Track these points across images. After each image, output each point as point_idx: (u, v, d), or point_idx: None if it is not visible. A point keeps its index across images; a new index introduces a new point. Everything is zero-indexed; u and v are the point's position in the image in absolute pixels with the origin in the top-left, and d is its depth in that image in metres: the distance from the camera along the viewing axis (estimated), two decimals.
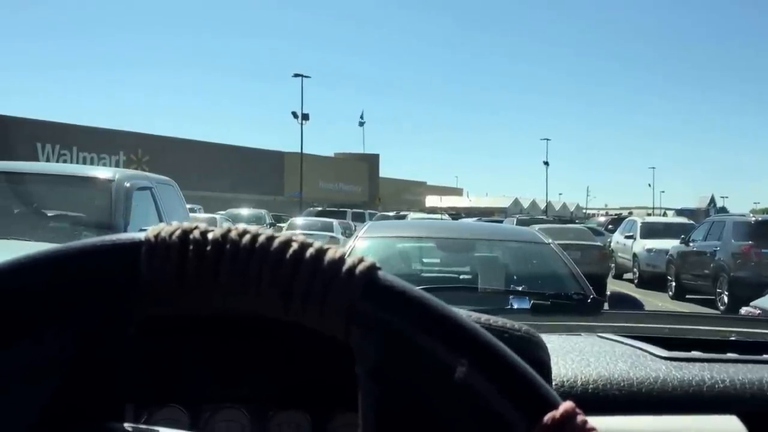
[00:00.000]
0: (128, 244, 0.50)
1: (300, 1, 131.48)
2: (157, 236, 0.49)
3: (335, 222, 24.31)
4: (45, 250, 0.50)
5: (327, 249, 0.50)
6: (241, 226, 0.51)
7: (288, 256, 0.49)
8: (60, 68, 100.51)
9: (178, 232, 0.49)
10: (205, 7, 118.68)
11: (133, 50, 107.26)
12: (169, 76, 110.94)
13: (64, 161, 35.01)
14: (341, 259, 0.49)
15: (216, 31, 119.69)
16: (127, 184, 5.77)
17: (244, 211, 28.73)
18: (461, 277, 4.24)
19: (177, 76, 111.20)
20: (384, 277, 0.50)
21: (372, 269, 0.49)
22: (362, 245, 4.08)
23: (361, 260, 0.50)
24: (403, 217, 29.10)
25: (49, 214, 5.53)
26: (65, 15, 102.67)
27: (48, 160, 33.83)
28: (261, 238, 0.49)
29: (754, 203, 73.49)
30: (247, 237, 0.49)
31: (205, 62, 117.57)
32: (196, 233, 0.49)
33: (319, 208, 34.48)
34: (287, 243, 0.49)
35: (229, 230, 0.50)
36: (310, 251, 0.49)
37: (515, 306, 2.93)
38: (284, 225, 24.82)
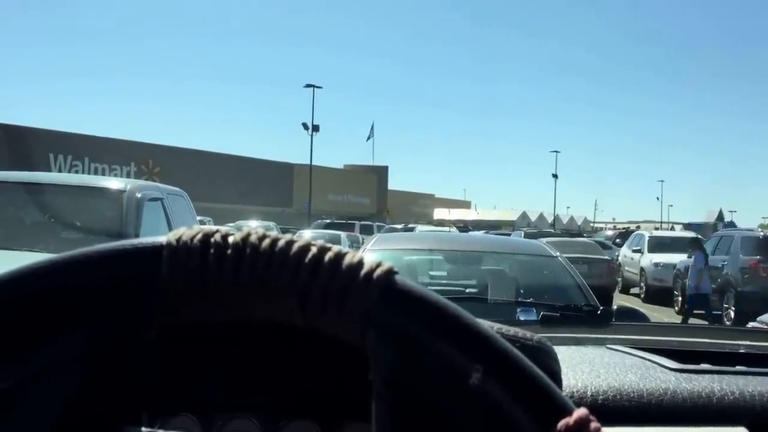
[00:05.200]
0: (150, 247, 0.50)
1: (310, 11, 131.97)
2: (178, 240, 0.50)
3: (343, 235, 24.27)
4: (65, 253, 0.50)
5: (345, 253, 0.50)
6: (261, 230, 0.51)
7: (307, 260, 0.49)
8: (71, 77, 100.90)
9: (199, 236, 0.50)
10: (216, 19, 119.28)
11: (145, 59, 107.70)
12: (181, 86, 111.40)
13: (76, 172, 35.08)
14: (359, 264, 0.49)
15: (226, 41, 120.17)
16: (139, 195, 5.79)
17: (253, 223, 28.56)
18: (468, 290, 4.23)
19: (188, 86, 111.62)
20: (402, 281, 0.50)
21: (389, 274, 0.49)
22: (370, 258, 4.06)
23: (379, 265, 0.50)
24: (411, 229, 29.07)
25: (60, 225, 5.54)
26: (76, 23, 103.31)
27: (60, 171, 33.89)
28: (280, 243, 0.49)
29: (763, 218, 72.94)
30: (266, 241, 0.49)
31: (216, 72, 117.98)
32: (217, 237, 0.50)
33: (327, 221, 34.40)
34: (306, 247, 0.49)
35: (249, 234, 0.50)
36: (328, 255, 0.49)
37: (522, 318, 2.93)
38: None
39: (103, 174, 35.08)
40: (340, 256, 0.50)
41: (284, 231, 29.48)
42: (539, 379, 0.49)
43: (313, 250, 0.50)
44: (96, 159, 38.01)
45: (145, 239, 0.51)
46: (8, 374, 0.49)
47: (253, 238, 0.50)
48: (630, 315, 3.11)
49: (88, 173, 34.51)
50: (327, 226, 30.02)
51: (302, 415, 0.71)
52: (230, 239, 0.50)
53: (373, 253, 4.21)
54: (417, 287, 0.50)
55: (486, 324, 0.56)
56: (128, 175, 36.38)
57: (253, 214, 34.92)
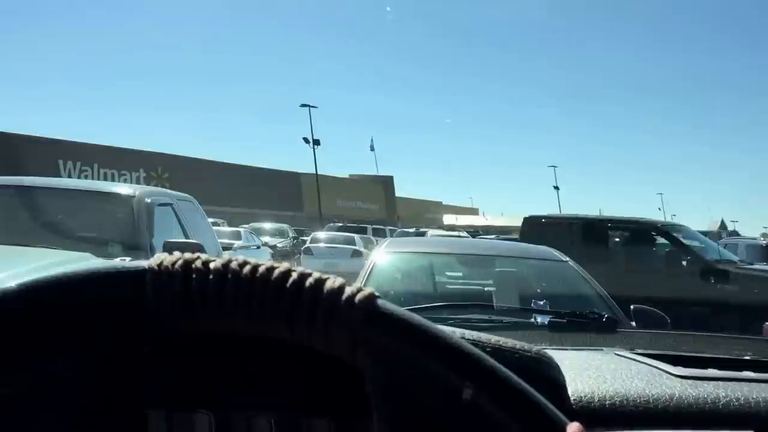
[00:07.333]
0: (132, 271, 0.51)
1: (318, 26, 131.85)
2: (160, 265, 0.51)
3: (357, 236, 24.04)
4: (54, 272, 0.52)
5: (326, 279, 0.51)
6: (241, 258, 0.52)
7: (288, 285, 0.50)
8: (78, 85, 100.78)
9: (180, 262, 0.51)
10: (226, 29, 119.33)
11: (152, 68, 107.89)
12: (186, 94, 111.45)
13: (86, 178, 35.23)
14: (341, 289, 0.51)
15: (233, 52, 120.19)
16: (148, 200, 5.78)
17: (267, 225, 27.73)
18: (479, 295, 4.22)
19: (193, 94, 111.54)
20: (384, 305, 0.51)
21: (371, 298, 0.51)
22: (383, 259, 4.10)
23: (360, 290, 0.51)
24: (423, 234, 28.99)
25: (75, 227, 5.56)
26: (86, 32, 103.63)
27: (70, 177, 34.05)
28: (261, 269, 0.51)
29: (764, 227, 72.66)
30: (247, 267, 0.51)
31: (223, 81, 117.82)
32: (197, 263, 0.51)
33: (340, 224, 34.20)
34: (287, 273, 0.51)
35: (230, 261, 0.51)
36: (309, 281, 0.51)
37: (533, 322, 2.93)
38: (308, 237, 24.71)
39: (113, 181, 35.15)
40: (321, 281, 0.51)
41: (299, 233, 29.33)
42: (529, 395, 0.50)
43: (294, 276, 0.51)
44: (105, 166, 38.08)
45: (129, 263, 0.53)
46: (8, 382, 0.50)
47: (234, 264, 0.51)
48: (647, 314, 3.09)
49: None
50: (339, 230, 29.73)
51: (319, 413, 0.72)
52: (211, 265, 0.51)
53: (385, 255, 4.22)
54: (400, 310, 0.52)
55: (482, 337, 0.57)
56: (137, 182, 36.43)
57: (265, 218, 34.51)
